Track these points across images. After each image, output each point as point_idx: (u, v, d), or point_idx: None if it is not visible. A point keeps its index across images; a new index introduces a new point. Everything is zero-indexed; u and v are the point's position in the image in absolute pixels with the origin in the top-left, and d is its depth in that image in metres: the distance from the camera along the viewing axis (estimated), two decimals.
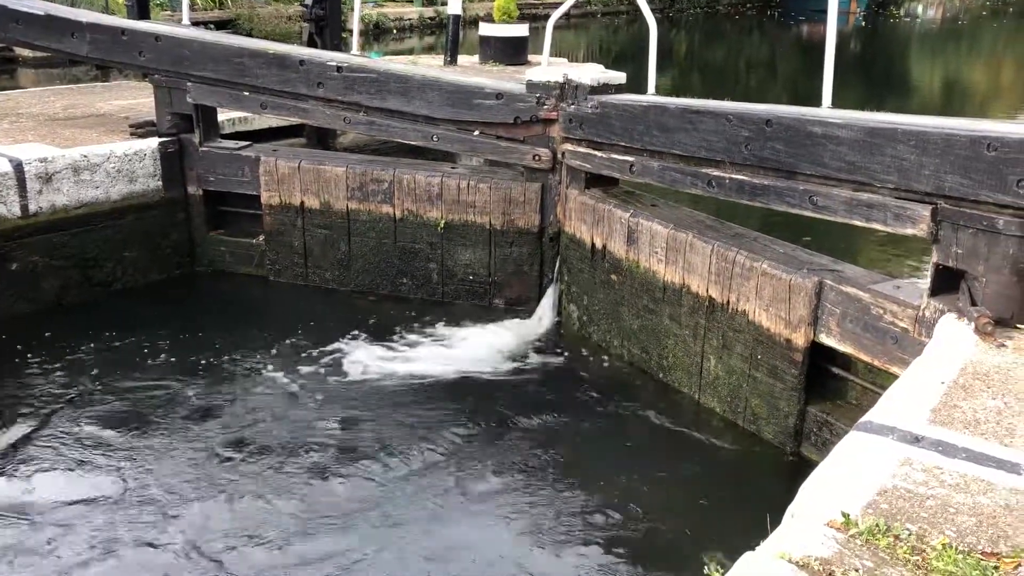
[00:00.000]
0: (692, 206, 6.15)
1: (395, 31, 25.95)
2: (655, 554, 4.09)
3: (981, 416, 2.98)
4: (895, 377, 3.68)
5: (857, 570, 2.13)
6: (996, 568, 2.17)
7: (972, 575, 2.13)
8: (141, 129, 7.27)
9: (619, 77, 6.17)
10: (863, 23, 37.94)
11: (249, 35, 16.33)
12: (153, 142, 7.06)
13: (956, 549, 2.24)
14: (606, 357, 6.07)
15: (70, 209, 6.56)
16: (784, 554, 2.18)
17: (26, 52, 15.77)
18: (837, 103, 5.06)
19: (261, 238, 7.23)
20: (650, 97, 5.86)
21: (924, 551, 2.24)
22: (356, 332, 6.28)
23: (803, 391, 4.84)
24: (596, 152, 6.02)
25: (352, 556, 4.03)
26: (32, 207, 6.34)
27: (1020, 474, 2.63)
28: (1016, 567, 2.18)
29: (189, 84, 6.98)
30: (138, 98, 8.86)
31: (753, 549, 2.24)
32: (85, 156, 6.61)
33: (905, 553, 2.23)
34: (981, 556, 2.22)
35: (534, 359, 6.02)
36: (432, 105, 6.46)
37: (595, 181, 6.26)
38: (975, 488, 2.55)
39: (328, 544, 4.08)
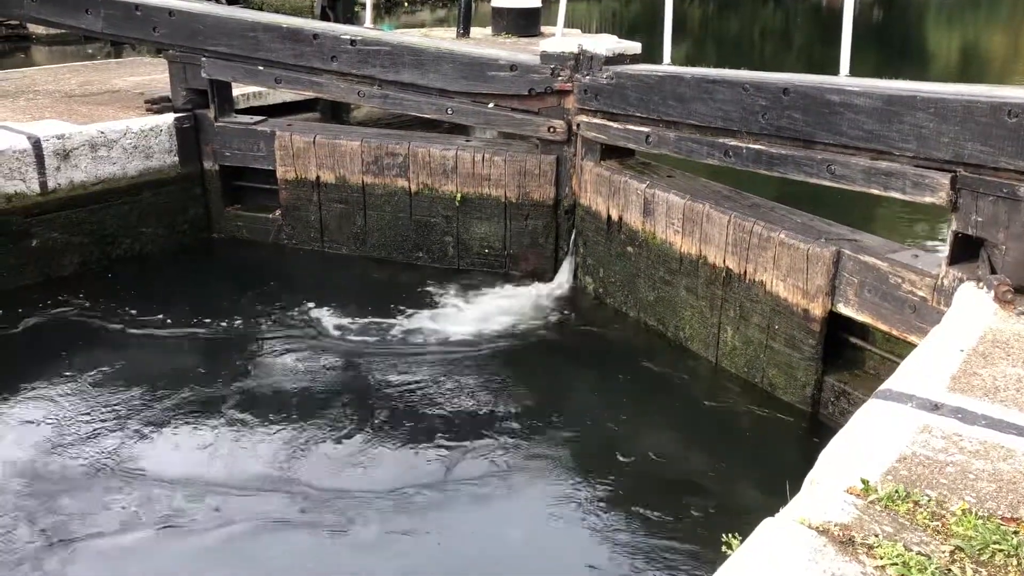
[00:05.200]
0: (709, 177, 6.12)
1: (406, 4, 25.79)
2: (674, 519, 4.11)
3: (1001, 383, 2.98)
4: (913, 346, 3.68)
5: (877, 535, 2.14)
6: (1016, 533, 2.18)
7: (992, 540, 2.14)
8: (156, 105, 7.29)
9: (634, 47, 6.13)
10: None
11: (261, 9, 16.28)
12: (169, 118, 7.08)
13: (976, 514, 2.25)
14: (622, 328, 6.08)
15: (88, 185, 6.60)
16: (804, 520, 2.20)
17: (39, 30, 15.81)
18: (854, 72, 5.02)
19: (278, 213, 7.25)
20: (666, 67, 5.83)
21: (944, 517, 2.25)
22: (373, 299, 6.32)
23: (821, 361, 4.84)
24: (611, 123, 6.00)
25: (373, 514, 4.08)
26: (51, 184, 6.38)
27: None
28: None
29: (203, 59, 6.99)
30: (152, 74, 8.89)
31: (773, 515, 2.26)
32: (102, 132, 6.64)
33: (925, 519, 2.24)
34: (1001, 521, 2.23)
35: (551, 329, 6.04)
36: (446, 78, 6.44)
37: (610, 152, 6.24)
38: (995, 454, 2.56)
39: (346, 504, 4.14)
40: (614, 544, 3.97)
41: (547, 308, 6.34)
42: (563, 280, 6.63)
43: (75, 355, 5.53)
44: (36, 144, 6.28)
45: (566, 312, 6.33)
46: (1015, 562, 2.07)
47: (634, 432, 4.85)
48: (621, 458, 4.60)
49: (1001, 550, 2.11)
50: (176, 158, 7.10)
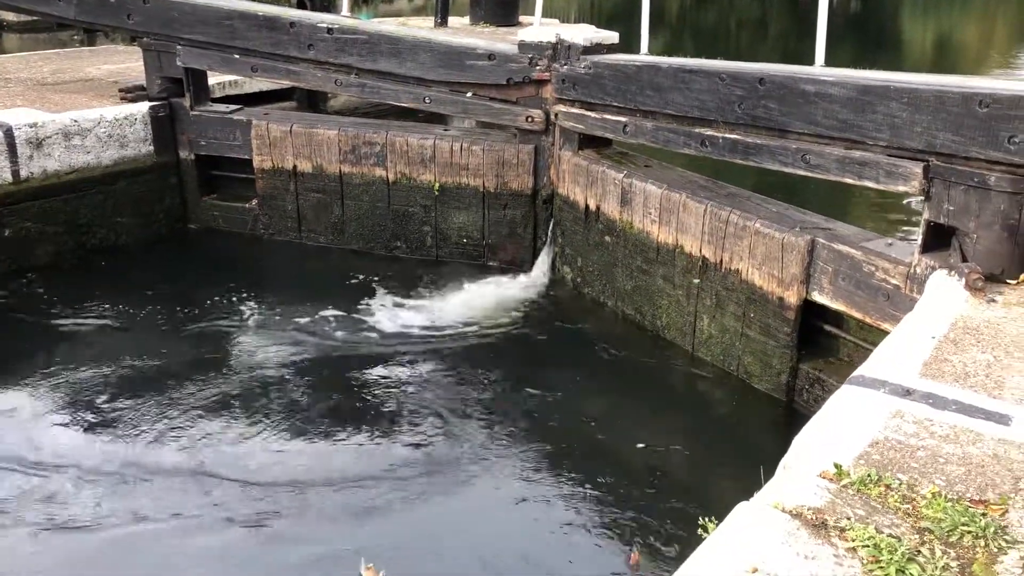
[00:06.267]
0: (686, 167, 6.15)
1: None
2: (650, 504, 4.15)
3: (971, 369, 3.03)
4: (886, 334, 3.72)
5: (849, 518, 2.18)
6: (984, 515, 2.22)
7: (960, 522, 2.18)
8: (131, 93, 7.22)
9: (612, 37, 6.14)
10: None
11: None
12: (144, 106, 7.01)
13: (945, 497, 2.30)
14: (600, 317, 6.11)
15: (62, 174, 6.53)
16: (778, 504, 2.23)
17: (10, 16, 15.59)
18: (830, 62, 5.06)
19: (254, 202, 7.21)
20: (643, 57, 5.85)
21: (914, 499, 2.29)
22: (350, 289, 6.32)
23: (795, 348, 4.89)
24: (589, 113, 6.01)
25: (351, 506, 4.10)
26: (23, 172, 6.31)
27: (1008, 425, 2.68)
28: (1003, 514, 2.24)
29: (179, 47, 6.93)
30: (126, 62, 8.80)
31: (748, 500, 2.29)
32: (76, 121, 6.57)
33: (896, 502, 2.28)
34: (969, 504, 2.27)
35: (529, 319, 6.06)
36: (424, 67, 6.43)
37: (588, 142, 6.25)
38: (964, 439, 2.60)
39: (322, 497, 4.14)
40: (591, 529, 4.00)
41: (525, 298, 6.36)
42: (541, 270, 6.64)
43: (48, 346, 5.49)
44: (8, 132, 6.20)
45: (544, 302, 6.35)
46: (983, 543, 2.11)
47: (611, 420, 4.89)
48: (598, 446, 4.64)
49: (969, 532, 2.15)
50: (151, 147, 7.04)
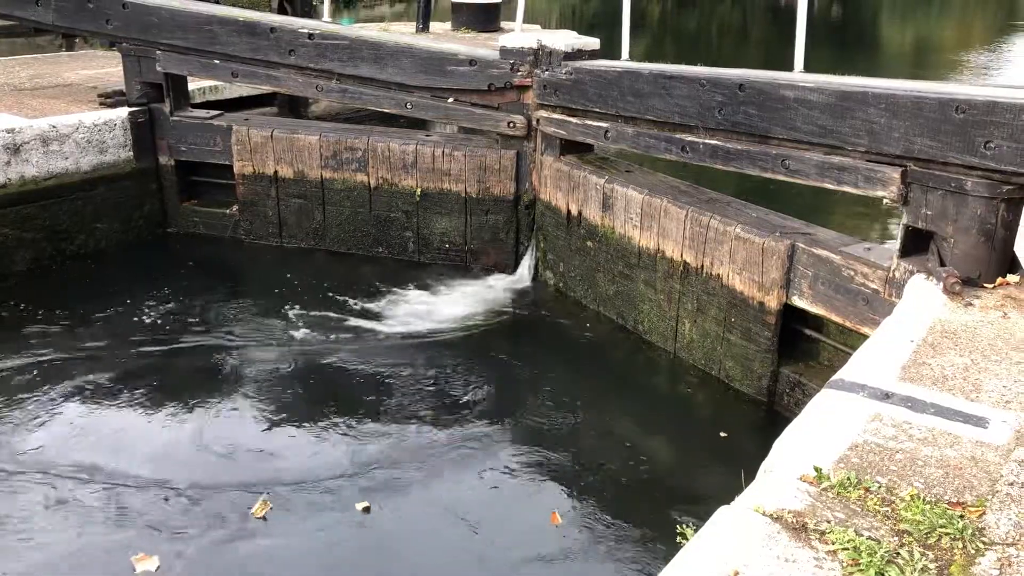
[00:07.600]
0: (669, 172, 6.18)
1: None
2: (631, 507, 4.16)
3: (949, 373, 3.06)
4: (866, 338, 3.75)
5: (829, 522, 2.19)
6: (962, 517, 2.24)
7: (939, 524, 2.20)
8: (110, 99, 7.18)
9: (593, 43, 6.16)
10: None
11: (217, 1, 16.04)
12: (123, 112, 6.98)
13: (924, 500, 2.31)
14: (582, 322, 6.12)
15: (39, 180, 6.48)
16: (759, 507, 2.24)
17: None
18: (809, 67, 5.10)
19: (235, 208, 7.19)
20: (624, 63, 5.87)
21: (893, 502, 2.31)
22: (332, 294, 6.30)
23: (776, 352, 4.92)
24: (571, 118, 6.03)
25: (339, 507, 4.08)
26: (1, 179, 6.25)
27: (985, 427, 2.70)
28: (981, 515, 2.26)
29: (158, 52, 6.89)
30: (105, 67, 8.75)
31: (729, 503, 2.30)
32: (54, 126, 6.52)
33: (875, 504, 2.30)
34: (948, 506, 2.29)
35: (511, 323, 6.07)
36: (405, 72, 6.43)
37: (570, 148, 6.27)
38: (942, 441, 2.62)
39: (310, 502, 4.13)
40: (570, 532, 3.99)
41: (508, 302, 6.36)
42: (524, 274, 6.66)
43: (25, 352, 5.43)
44: None
45: (527, 306, 6.36)
46: (960, 545, 2.13)
47: (593, 423, 4.89)
48: (579, 448, 4.64)
49: (948, 533, 2.17)
50: (131, 153, 7.00)
